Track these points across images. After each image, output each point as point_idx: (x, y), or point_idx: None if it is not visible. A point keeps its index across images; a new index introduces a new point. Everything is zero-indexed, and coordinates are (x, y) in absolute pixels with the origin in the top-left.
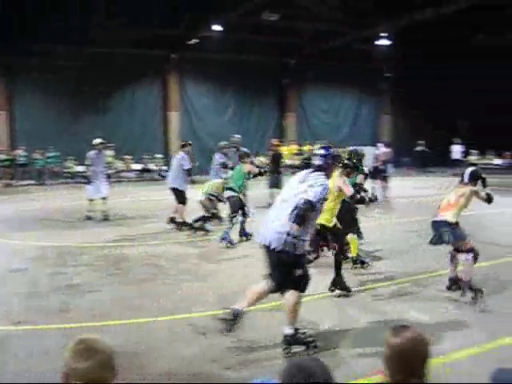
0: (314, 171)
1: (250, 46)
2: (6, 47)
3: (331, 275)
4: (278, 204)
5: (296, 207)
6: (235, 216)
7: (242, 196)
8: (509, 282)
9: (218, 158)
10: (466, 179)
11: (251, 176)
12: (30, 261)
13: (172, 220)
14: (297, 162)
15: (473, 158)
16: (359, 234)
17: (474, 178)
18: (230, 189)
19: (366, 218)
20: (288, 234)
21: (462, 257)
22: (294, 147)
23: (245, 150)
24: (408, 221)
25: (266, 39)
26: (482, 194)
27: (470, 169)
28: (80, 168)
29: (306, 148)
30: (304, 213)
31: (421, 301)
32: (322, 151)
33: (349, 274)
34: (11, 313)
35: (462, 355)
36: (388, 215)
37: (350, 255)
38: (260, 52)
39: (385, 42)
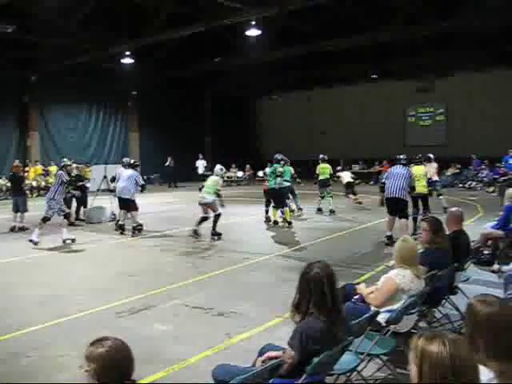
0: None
1: None
2: None
3: None
4: (397, 177)
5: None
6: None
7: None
8: (235, 283)
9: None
10: (432, 160)
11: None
12: None
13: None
14: (42, 182)
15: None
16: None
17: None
18: (286, 181)
19: (110, 236)
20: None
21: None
22: (39, 167)
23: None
24: (153, 235)
25: (2, 52)
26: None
27: (429, 154)
28: None
29: (52, 168)
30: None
31: (162, 313)
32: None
33: (83, 294)
34: None
35: (199, 358)
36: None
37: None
38: None
39: (129, 60)
